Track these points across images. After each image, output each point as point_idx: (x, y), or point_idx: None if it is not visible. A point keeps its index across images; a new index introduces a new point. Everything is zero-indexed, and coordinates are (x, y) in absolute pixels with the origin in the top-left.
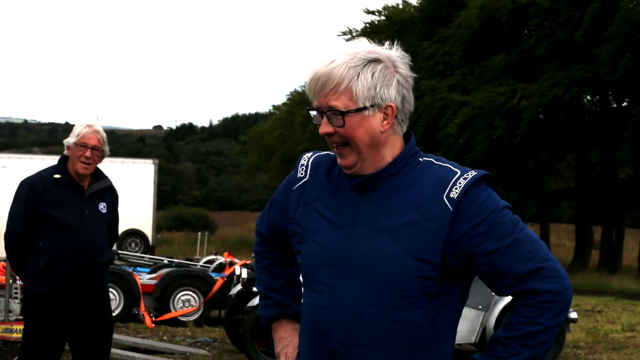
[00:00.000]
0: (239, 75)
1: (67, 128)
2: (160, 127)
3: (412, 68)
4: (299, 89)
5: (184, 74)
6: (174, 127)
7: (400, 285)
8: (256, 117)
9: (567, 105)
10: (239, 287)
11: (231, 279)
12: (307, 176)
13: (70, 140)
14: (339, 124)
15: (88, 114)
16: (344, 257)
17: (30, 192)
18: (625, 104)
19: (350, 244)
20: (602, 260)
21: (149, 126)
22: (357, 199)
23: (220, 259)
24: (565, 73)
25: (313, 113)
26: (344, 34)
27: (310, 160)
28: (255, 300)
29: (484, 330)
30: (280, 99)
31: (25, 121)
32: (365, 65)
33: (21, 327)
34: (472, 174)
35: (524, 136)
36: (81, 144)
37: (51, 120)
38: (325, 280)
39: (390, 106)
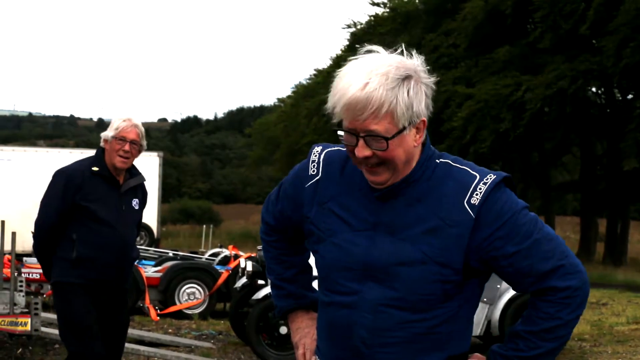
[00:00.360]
0: (243, 68)
1: (72, 121)
2: (165, 119)
3: None
4: (304, 82)
5: (188, 66)
6: (179, 120)
7: (423, 289)
8: (261, 110)
9: (572, 97)
10: (244, 279)
11: (236, 272)
12: (320, 174)
13: (108, 133)
14: (381, 148)
15: (93, 108)
16: (367, 262)
17: (67, 182)
18: (630, 96)
19: (373, 249)
20: (607, 253)
21: (153, 119)
22: (378, 204)
23: (225, 252)
24: (570, 65)
25: (341, 133)
26: (349, 26)
27: (322, 156)
28: (261, 293)
29: (488, 322)
30: (285, 91)
31: (30, 114)
32: (400, 85)
33: (26, 319)
34: (491, 177)
35: (529, 128)
36: (120, 138)
37: (56, 113)
38: (347, 282)
39: (423, 120)
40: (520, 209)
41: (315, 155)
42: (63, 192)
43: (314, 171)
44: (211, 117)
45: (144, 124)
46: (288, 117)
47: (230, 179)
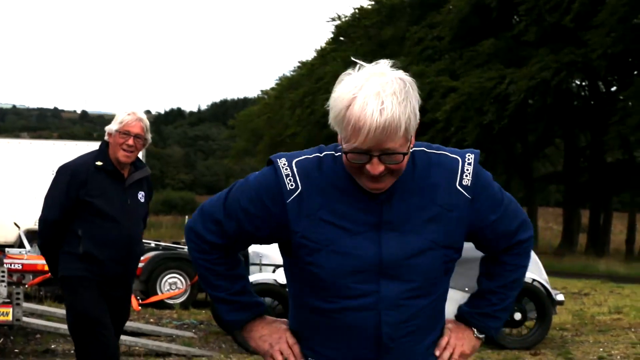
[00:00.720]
0: (227, 60)
1: (56, 113)
2: (148, 111)
3: (401, 52)
4: (288, 74)
5: (172, 59)
6: (162, 112)
7: (434, 273)
8: (244, 102)
9: (555, 89)
10: None
11: None
12: (300, 186)
13: (112, 127)
14: (396, 162)
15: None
16: (379, 261)
17: (72, 178)
18: (614, 88)
19: (383, 248)
20: (589, 244)
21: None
22: (374, 205)
23: None
24: (554, 57)
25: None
26: (333, 19)
27: (294, 168)
28: None
29: None
30: (269, 84)
31: (14, 106)
32: (406, 100)
33: (7, 309)
34: (470, 156)
35: (512, 120)
36: (124, 132)
37: (40, 106)
38: (359, 286)
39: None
40: (492, 179)
41: (287, 169)
42: (67, 188)
43: (292, 185)
44: (194, 109)
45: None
46: (271, 109)
47: (214, 171)
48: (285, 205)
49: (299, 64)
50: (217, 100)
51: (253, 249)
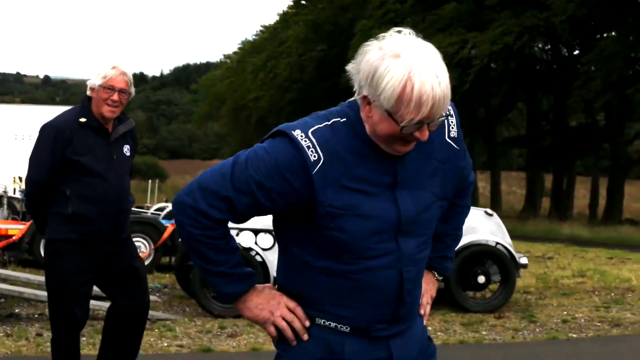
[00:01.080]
0: (190, 25)
1: (18, 78)
2: None
3: (363, 16)
4: (250, 39)
5: (134, 23)
6: None
7: (433, 225)
8: (207, 67)
9: (518, 53)
10: None
11: None
12: (322, 156)
13: (95, 82)
14: (438, 124)
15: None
16: (396, 221)
17: (56, 137)
18: (576, 52)
19: (401, 206)
20: (552, 208)
21: None
22: (388, 166)
23: (171, 206)
24: (517, 21)
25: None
26: None
27: (314, 139)
28: None
29: None
30: (232, 48)
31: None
32: (445, 67)
33: None
34: (450, 109)
35: (475, 85)
36: (108, 87)
37: (2, 71)
38: (380, 245)
39: None
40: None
41: (306, 140)
42: (52, 147)
43: (314, 156)
44: (157, 74)
45: (89, 81)
46: (234, 73)
47: (177, 135)
48: (310, 177)
49: (261, 28)
50: (180, 64)
51: None
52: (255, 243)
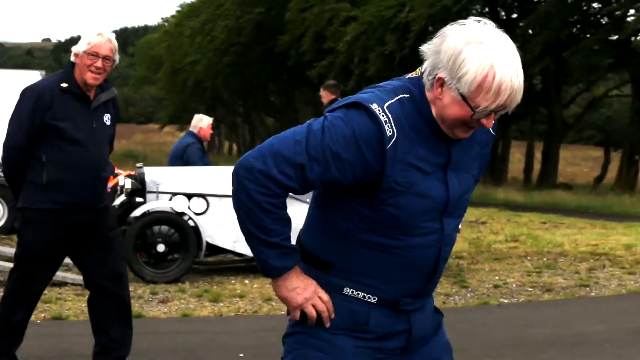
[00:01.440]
0: None
1: None
2: (48, 39)
3: None
4: (189, 1)
5: None
6: (63, 40)
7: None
8: (145, 30)
9: (456, 15)
10: (122, 197)
11: (115, 190)
12: (396, 132)
13: (79, 48)
14: (502, 113)
15: None
16: (445, 202)
17: (37, 101)
18: (514, 15)
19: (451, 187)
20: (487, 172)
21: (37, 39)
22: (443, 148)
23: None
24: None
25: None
26: None
27: (389, 115)
28: (139, 211)
29: None
30: (170, 11)
31: None
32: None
33: None
34: None
35: (414, 49)
36: (92, 53)
37: None
38: (426, 224)
39: None
40: None
41: (383, 115)
42: (32, 112)
43: (390, 132)
44: None
45: (27, 44)
46: (172, 37)
47: None
48: (385, 151)
49: None
50: (117, 28)
51: (150, 176)
52: (189, 207)
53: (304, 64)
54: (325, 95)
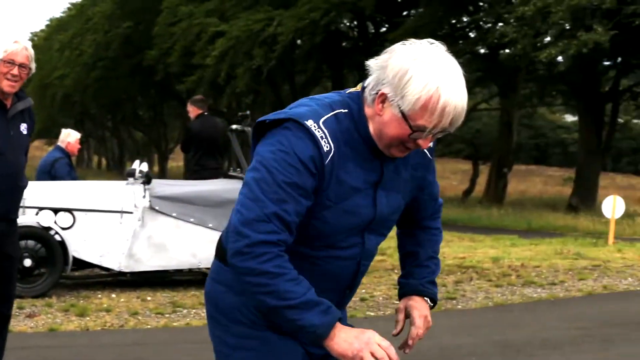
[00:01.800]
0: None
1: None
2: None
3: None
4: (57, 16)
5: None
6: None
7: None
8: None
9: (324, 29)
10: None
11: None
12: (333, 147)
13: None
14: (439, 135)
15: None
16: (371, 219)
17: None
18: (384, 29)
19: (378, 206)
20: None
21: None
22: (375, 165)
23: None
24: None
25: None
26: None
27: (325, 130)
28: None
29: None
30: (39, 25)
31: None
32: None
33: None
34: None
35: (281, 62)
36: (9, 61)
37: None
38: (348, 238)
39: None
40: None
41: (319, 131)
42: None
43: (327, 147)
44: None
45: None
46: (40, 51)
47: None
48: (323, 167)
49: (69, 5)
50: None
51: None
52: (55, 222)
53: (172, 78)
54: (192, 110)
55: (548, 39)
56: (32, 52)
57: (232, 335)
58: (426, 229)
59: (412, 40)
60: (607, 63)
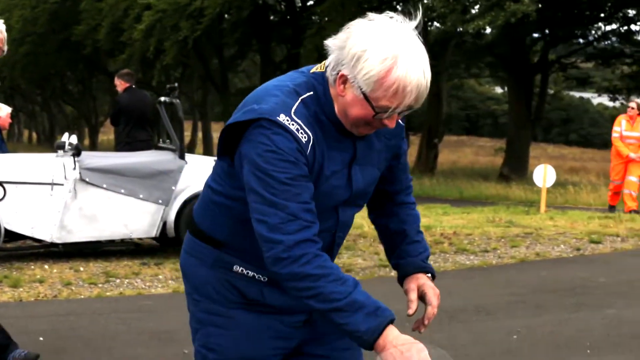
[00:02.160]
0: None
1: None
2: None
3: None
4: None
5: None
6: None
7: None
8: None
9: (252, 3)
10: None
11: None
12: (310, 134)
13: None
14: (403, 116)
15: None
16: (347, 196)
17: None
18: (310, 2)
19: (353, 183)
20: None
21: None
22: (347, 144)
23: None
24: None
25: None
26: None
27: (298, 120)
28: None
29: (164, 224)
30: None
31: None
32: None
33: None
34: None
35: (208, 35)
36: None
37: None
38: (326, 214)
39: None
40: None
41: (292, 124)
42: None
43: (305, 137)
44: None
45: None
46: None
47: None
48: (307, 157)
49: None
50: None
51: None
52: None
53: (101, 53)
54: (119, 84)
55: (475, 11)
56: (5, 34)
57: (201, 311)
58: (403, 205)
59: (372, 15)
60: (535, 35)
